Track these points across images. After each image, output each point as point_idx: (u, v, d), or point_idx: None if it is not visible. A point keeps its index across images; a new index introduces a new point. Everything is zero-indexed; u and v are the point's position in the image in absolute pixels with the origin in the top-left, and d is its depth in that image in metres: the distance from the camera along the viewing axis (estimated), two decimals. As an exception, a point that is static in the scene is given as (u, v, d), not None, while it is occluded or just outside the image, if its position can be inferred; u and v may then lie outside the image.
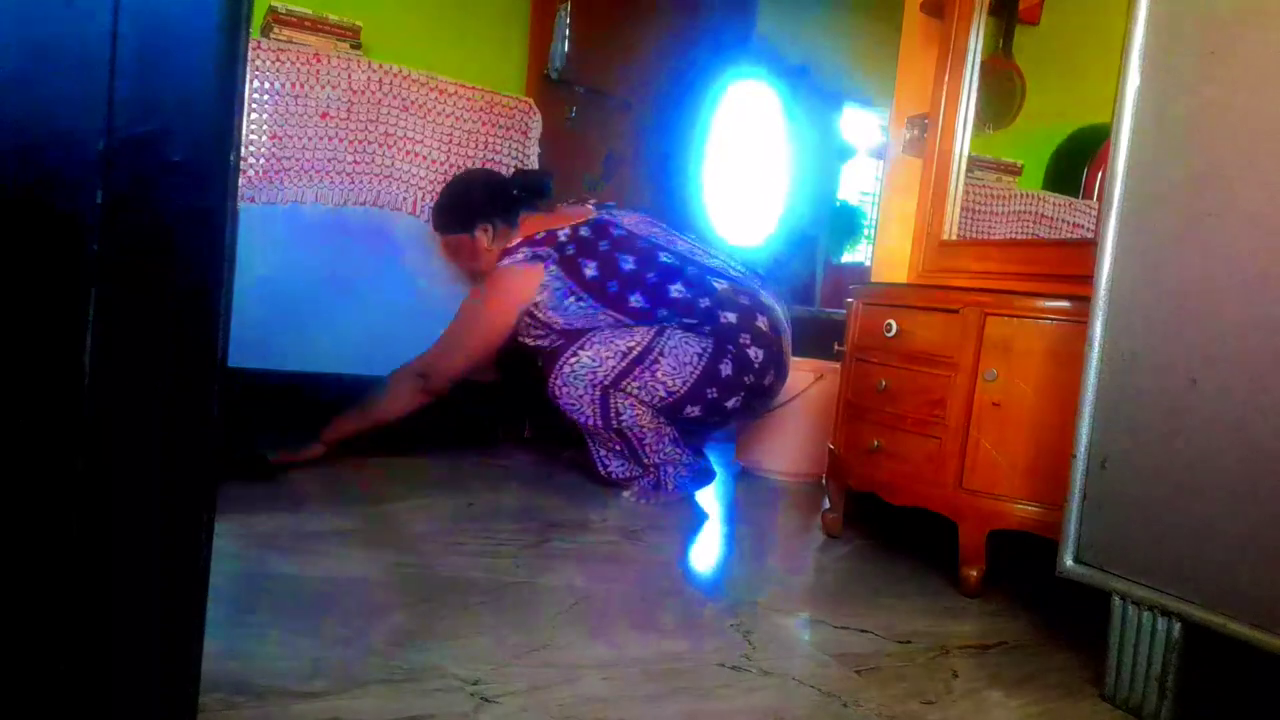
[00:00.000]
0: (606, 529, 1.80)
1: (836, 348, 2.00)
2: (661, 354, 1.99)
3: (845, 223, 5.05)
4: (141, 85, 0.55)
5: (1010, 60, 2.12)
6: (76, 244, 0.54)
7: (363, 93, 2.25)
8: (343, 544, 1.51)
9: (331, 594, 1.27)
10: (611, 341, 2.00)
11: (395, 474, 2.10)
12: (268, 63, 2.14)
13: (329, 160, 2.24)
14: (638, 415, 2.01)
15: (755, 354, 2.06)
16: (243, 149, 2.10)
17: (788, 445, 2.52)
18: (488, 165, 2.45)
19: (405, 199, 2.34)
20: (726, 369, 2.03)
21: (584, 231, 2.12)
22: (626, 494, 2.06)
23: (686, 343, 2.01)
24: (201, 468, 0.60)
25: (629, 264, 2.06)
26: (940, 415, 1.61)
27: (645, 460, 2.06)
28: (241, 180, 2.12)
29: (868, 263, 3.65)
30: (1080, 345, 1.22)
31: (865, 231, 5.01)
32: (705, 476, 2.18)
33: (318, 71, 2.19)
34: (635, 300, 2.04)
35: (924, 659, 1.26)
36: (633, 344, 1.99)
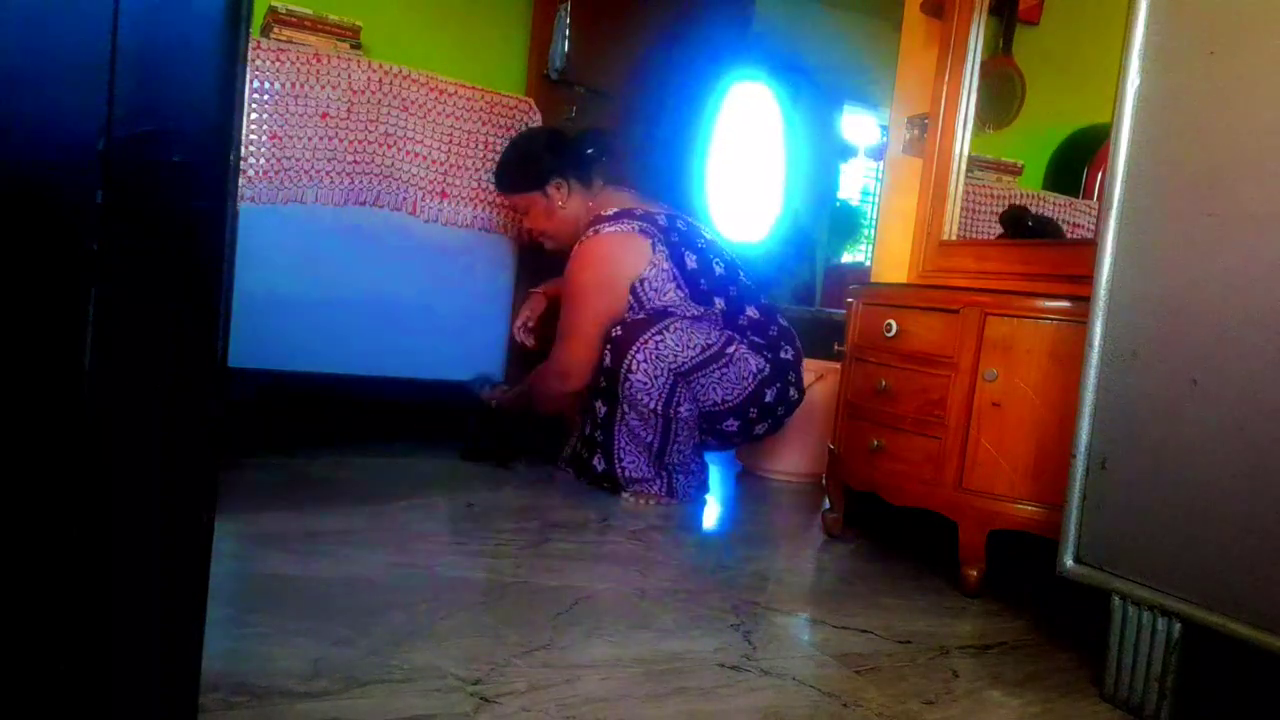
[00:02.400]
0: (606, 529, 1.80)
1: (836, 348, 2.00)
2: (730, 362, 2.03)
3: (845, 223, 5.06)
4: (141, 85, 0.55)
5: (1010, 60, 2.12)
6: (76, 244, 0.54)
7: (363, 93, 2.25)
8: (343, 544, 1.51)
9: (331, 594, 1.27)
10: (692, 332, 2.01)
11: (395, 474, 2.10)
12: (268, 63, 2.14)
13: (329, 160, 2.24)
14: (690, 411, 2.03)
15: (793, 394, 2.17)
16: (243, 149, 2.10)
17: (788, 445, 2.52)
18: (488, 166, 2.44)
19: (405, 199, 2.34)
20: (770, 395, 2.10)
21: (680, 224, 2.15)
22: (626, 495, 2.06)
23: (748, 359, 2.06)
24: (201, 468, 0.60)
25: (720, 270, 2.13)
26: (940, 415, 1.61)
27: (666, 459, 2.06)
28: (241, 180, 2.12)
29: (868, 263, 3.65)
30: (1080, 345, 1.22)
31: (865, 231, 5.02)
32: (705, 488, 2.19)
33: (318, 71, 2.19)
34: (719, 303, 2.10)
35: (924, 659, 1.26)
36: (710, 341, 2.02)
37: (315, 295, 2.23)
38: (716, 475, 2.45)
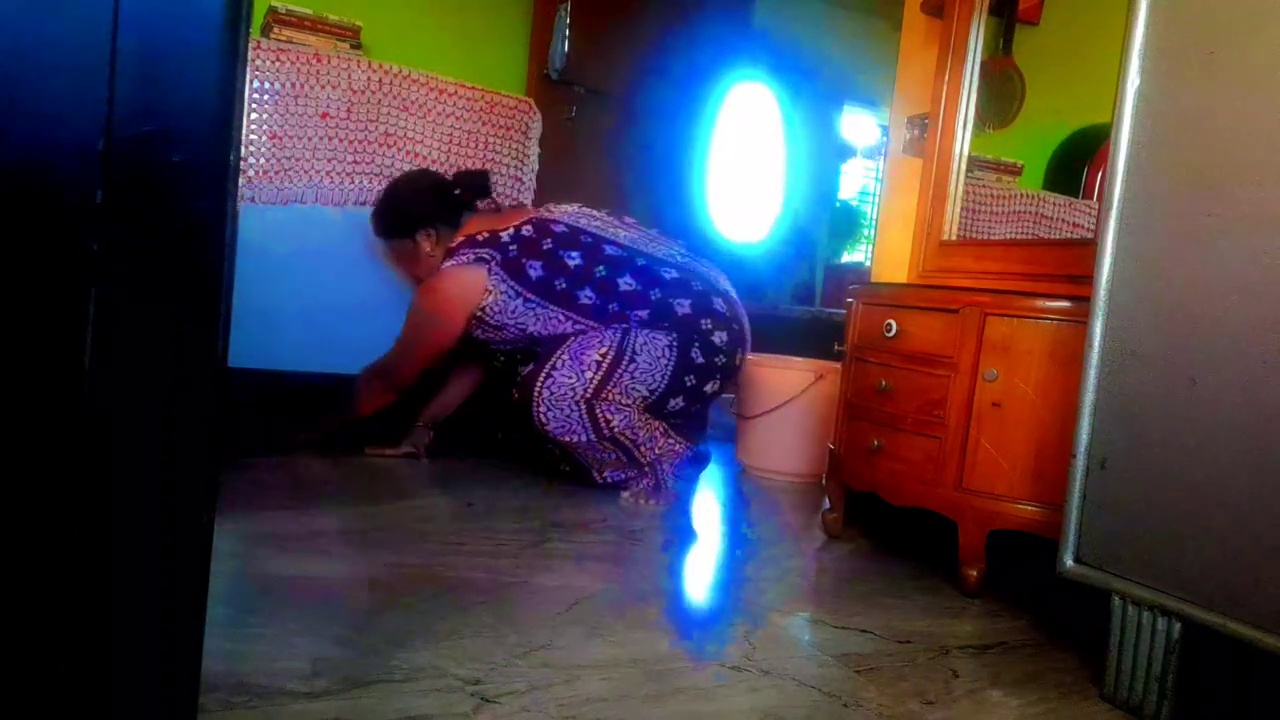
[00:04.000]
0: (606, 529, 1.80)
1: (836, 348, 2.00)
2: (635, 354, 1.99)
3: (845, 223, 5.06)
4: (141, 85, 0.55)
5: (1010, 60, 2.12)
6: (76, 244, 0.54)
7: (363, 93, 2.25)
8: (343, 544, 1.51)
9: (331, 594, 1.27)
10: (581, 355, 1.98)
11: (395, 474, 2.10)
12: (268, 63, 2.14)
13: (329, 160, 2.24)
14: (626, 417, 2.00)
15: (720, 338, 2.09)
16: (243, 149, 2.10)
17: (788, 445, 2.52)
18: (487, 166, 2.45)
19: (405, 199, 2.33)
20: (698, 356, 2.05)
21: (526, 230, 2.10)
22: (625, 495, 2.06)
23: (654, 339, 2.01)
24: (201, 468, 0.60)
25: (574, 259, 2.07)
26: (940, 415, 1.61)
27: (641, 461, 2.06)
28: (241, 180, 2.12)
29: (868, 263, 3.65)
30: (1080, 345, 1.22)
31: (865, 231, 5.02)
32: (701, 461, 2.17)
33: (318, 71, 2.19)
34: (585, 296, 2.04)
35: (924, 659, 1.26)
36: (604, 351, 1.99)
37: (315, 295, 2.24)
38: (718, 475, 2.45)
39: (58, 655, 0.57)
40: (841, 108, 4.92)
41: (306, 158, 2.21)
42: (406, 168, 2.33)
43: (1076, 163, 2.09)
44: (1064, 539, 1.21)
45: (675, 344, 2.02)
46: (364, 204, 2.29)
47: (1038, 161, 2.15)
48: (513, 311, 2.05)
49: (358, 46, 2.42)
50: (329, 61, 2.21)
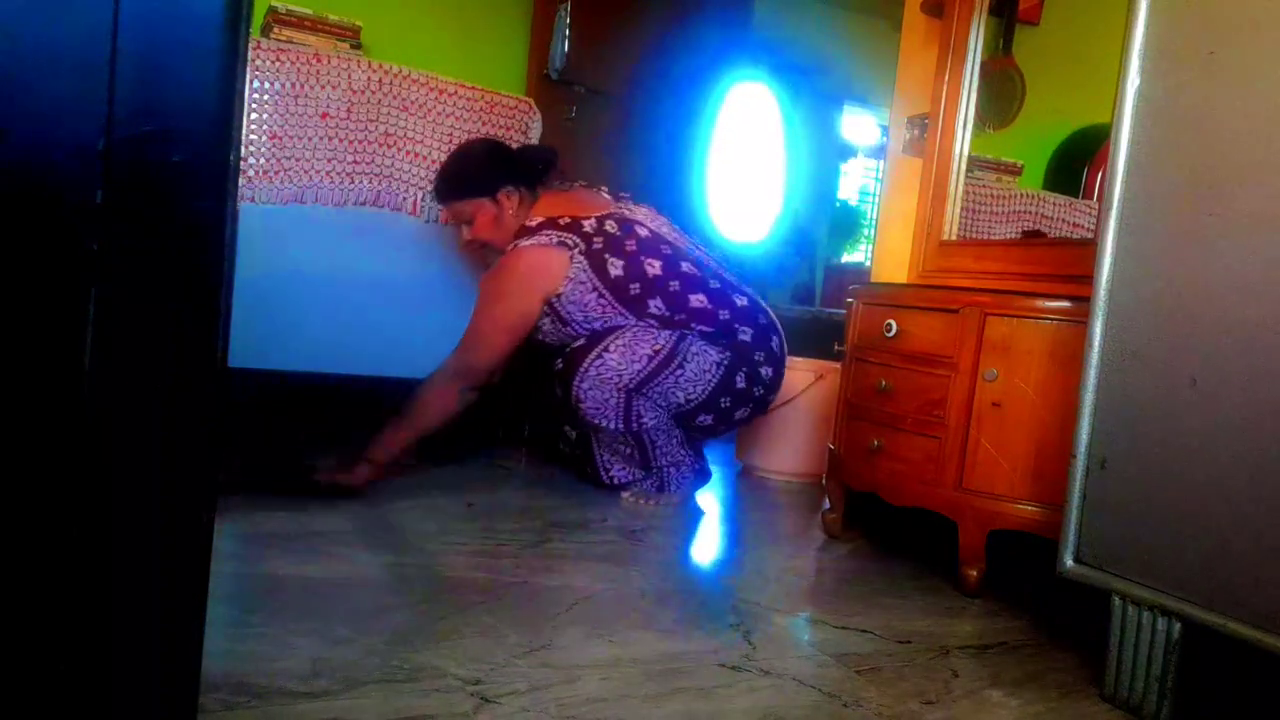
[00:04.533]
0: (606, 529, 1.80)
1: (836, 348, 2.00)
2: (685, 360, 1.98)
3: (845, 223, 5.06)
4: (141, 85, 0.55)
5: (1010, 60, 2.12)
6: (76, 244, 0.54)
7: (363, 93, 2.25)
8: (343, 544, 1.51)
9: (331, 594, 1.27)
10: (636, 345, 1.96)
11: (395, 474, 2.10)
12: (268, 63, 2.14)
13: (329, 160, 2.24)
14: (657, 419, 2.00)
15: (766, 372, 2.09)
16: (243, 149, 2.10)
17: (788, 445, 2.52)
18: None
19: (405, 199, 2.34)
20: (741, 382, 2.04)
21: (610, 226, 2.06)
22: (626, 494, 2.06)
23: (706, 351, 2.00)
24: (201, 468, 0.60)
25: (654, 268, 2.03)
26: (940, 415, 1.61)
27: (653, 463, 2.06)
28: (241, 180, 2.12)
29: (868, 263, 3.65)
30: (1080, 345, 1.22)
31: (865, 231, 5.02)
32: (703, 476, 2.18)
33: (318, 71, 2.19)
34: (655, 306, 2.02)
35: (924, 659, 1.26)
36: (657, 347, 1.97)
37: (315, 295, 2.23)
38: (717, 475, 2.45)
39: (58, 655, 0.57)
40: (841, 108, 4.92)
41: (306, 158, 2.21)
42: (406, 168, 2.33)
43: (1076, 163, 2.09)
44: (1064, 539, 1.21)
45: (725, 363, 2.02)
46: (364, 204, 2.29)
47: (1038, 161, 2.15)
48: (584, 304, 2.01)
49: (358, 46, 2.42)
50: (329, 61, 2.21)
